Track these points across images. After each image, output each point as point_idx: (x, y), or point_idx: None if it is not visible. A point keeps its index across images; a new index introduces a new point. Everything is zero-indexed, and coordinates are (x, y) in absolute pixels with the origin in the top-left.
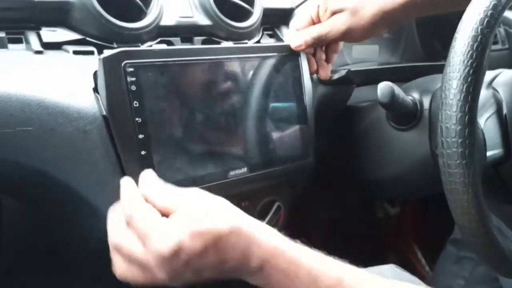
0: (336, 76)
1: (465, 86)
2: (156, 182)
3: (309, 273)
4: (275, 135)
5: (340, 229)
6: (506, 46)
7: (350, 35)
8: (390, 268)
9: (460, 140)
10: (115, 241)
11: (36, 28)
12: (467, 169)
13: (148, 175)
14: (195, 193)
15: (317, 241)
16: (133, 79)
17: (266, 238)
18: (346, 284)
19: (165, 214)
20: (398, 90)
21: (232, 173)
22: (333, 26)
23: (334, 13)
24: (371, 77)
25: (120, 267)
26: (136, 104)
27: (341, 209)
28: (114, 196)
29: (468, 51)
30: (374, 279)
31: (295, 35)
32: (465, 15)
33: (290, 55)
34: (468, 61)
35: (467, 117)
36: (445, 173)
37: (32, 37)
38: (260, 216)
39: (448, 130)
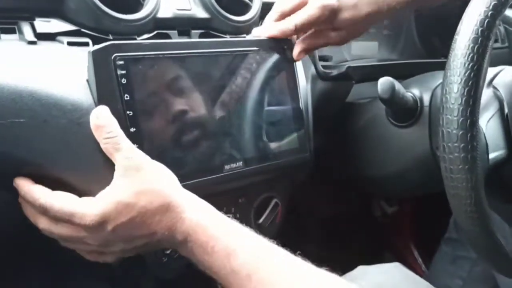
0: (335, 72)
1: (466, 90)
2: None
3: (226, 248)
4: (270, 129)
5: (337, 227)
6: (506, 44)
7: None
8: (394, 267)
9: (462, 145)
10: (44, 230)
11: (30, 19)
12: (469, 174)
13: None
14: (132, 156)
15: (314, 239)
16: (124, 72)
17: (191, 214)
18: (260, 261)
19: None
20: (398, 86)
21: (227, 167)
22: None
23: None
24: (370, 74)
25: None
26: (127, 97)
27: (338, 207)
28: None
29: (469, 54)
30: (288, 257)
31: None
32: (465, 16)
33: (286, 49)
34: (469, 64)
35: (468, 121)
36: (447, 178)
37: (26, 27)
38: (258, 213)
39: (449, 135)
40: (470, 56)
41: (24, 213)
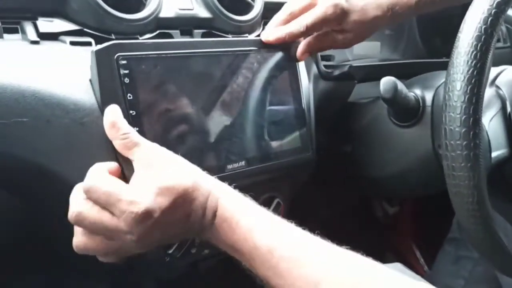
0: (337, 72)
1: (469, 88)
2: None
3: (248, 223)
4: (273, 128)
5: (339, 227)
6: (508, 44)
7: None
8: (395, 267)
9: (464, 143)
10: (76, 214)
11: (33, 18)
12: (472, 171)
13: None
14: (151, 150)
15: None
16: (126, 71)
17: (215, 190)
18: (280, 236)
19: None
20: (401, 86)
21: (229, 166)
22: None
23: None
24: (373, 73)
25: (81, 240)
26: (130, 97)
27: (339, 207)
28: None
29: (472, 52)
30: (307, 235)
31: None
32: (468, 14)
33: (289, 48)
34: (472, 61)
35: (471, 119)
36: (449, 176)
37: (29, 27)
38: None
39: (452, 132)
40: (474, 54)
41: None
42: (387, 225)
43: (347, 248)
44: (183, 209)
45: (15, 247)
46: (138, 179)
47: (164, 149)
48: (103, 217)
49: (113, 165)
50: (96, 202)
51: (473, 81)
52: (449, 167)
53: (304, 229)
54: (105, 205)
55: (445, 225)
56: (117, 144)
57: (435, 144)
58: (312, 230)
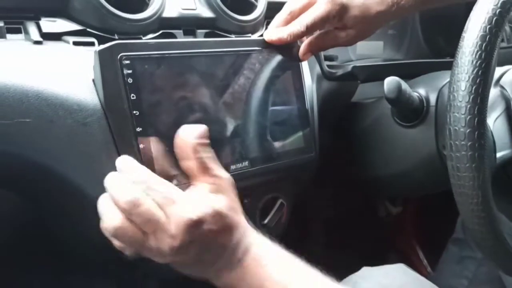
0: (340, 72)
1: (474, 88)
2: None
3: (279, 282)
4: (276, 128)
5: (341, 227)
6: None
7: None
8: (399, 268)
9: (469, 143)
10: (133, 199)
11: (36, 18)
12: (476, 172)
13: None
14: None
15: (318, 240)
16: (130, 71)
17: (251, 233)
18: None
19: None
20: (405, 86)
21: (233, 167)
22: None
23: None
24: (376, 73)
25: (119, 222)
26: (133, 97)
27: (342, 207)
28: None
29: (477, 51)
30: None
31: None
32: (473, 14)
33: (292, 48)
34: (477, 61)
35: (476, 119)
36: (454, 176)
37: (32, 27)
38: (263, 213)
39: (457, 132)
40: (478, 53)
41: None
42: (390, 225)
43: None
44: (224, 238)
45: (19, 246)
46: (201, 193)
47: (228, 178)
48: (158, 212)
49: None
50: (153, 198)
51: (478, 81)
52: (453, 168)
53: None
54: (161, 204)
55: (448, 225)
56: (189, 163)
57: (439, 144)
58: (315, 230)
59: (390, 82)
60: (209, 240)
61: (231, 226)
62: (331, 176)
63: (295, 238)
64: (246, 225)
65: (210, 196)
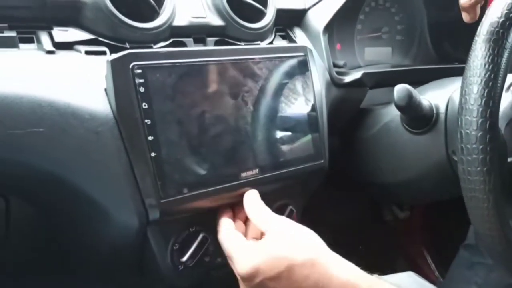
0: (349, 79)
1: (486, 91)
2: (258, 204)
3: None
4: (286, 136)
5: (348, 232)
6: None
7: None
8: (408, 276)
9: (481, 147)
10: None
11: (48, 28)
12: (488, 176)
13: (252, 195)
14: (284, 221)
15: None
16: (142, 80)
17: (338, 272)
18: None
19: (255, 237)
20: (415, 93)
21: (243, 174)
22: None
23: None
24: (385, 80)
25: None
26: (145, 105)
27: (348, 212)
28: (125, 199)
29: (489, 55)
30: None
31: None
32: (485, 18)
33: (301, 56)
34: (489, 65)
35: (488, 122)
36: (464, 180)
37: (44, 36)
38: None
39: (468, 136)
40: (491, 57)
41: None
42: (397, 230)
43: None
44: (289, 281)
45: (31, 254)
46: (259, 244)
47: (291, 223)
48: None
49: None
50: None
51: (490, 84)
52: (464, 171)
53: None
54: (228, 255)
55: (458, 230)
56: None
57: (449, 151)
58: (323, 235)
59: (400, 89)
60: (272, 286)
61: (292, 269)
62: (337, 180)
63: None
64: (324, 259)
65: (267, 241)
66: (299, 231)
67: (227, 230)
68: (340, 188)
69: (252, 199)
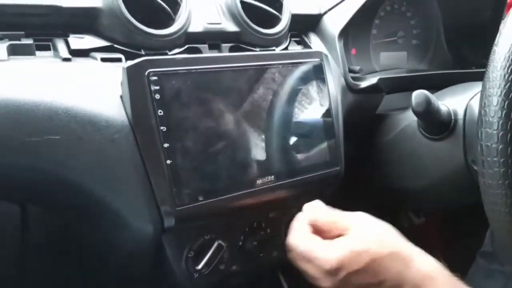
0: (365, 84)
1: (506, 103)
2: (325, 212)
3: None
4: (302, 143)
5: None
6: None
7: None
8: None
9: (502, 160)
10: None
11: (64, 35)
12: (510, 189)
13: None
14: (363, 217)
15: None
16: (157, 87)
17: (419, 264)
18: None
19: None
20: (433, 99)
21: (259, 181)
22: None
23: None
24: (401, 85)
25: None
26: (160, 112)
27: None
28: (141, 206)
29: (509, 66)
30: None
31: None
32: (504, 27)
33: (316, 62)
34: (509, 76)
35: (509, 135)
36: (486, 193)
37: (60, 44)
38: (289, 229)
39: (489, 149)
40: (510, 68)
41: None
42: (413, 237)
43: None
44: (373, 275)
45: (48, 261)
46: (340, 240)
47: (371, 219)
48: (307, 265)
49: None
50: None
51: (510, 96)
52: (485, 185)
53: None
54: (304, 261)
55: (474, 237)
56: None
57: (468, 158)
58: None
59: (418, 95)
60: (354, 280)
61: (375, 262)
62: (351, 186)
63: None
64: (406, 252)
65: (349, 237)
66: (379, 225)
67: (302, 233)
68: (354, 194)
69: (319, 205)
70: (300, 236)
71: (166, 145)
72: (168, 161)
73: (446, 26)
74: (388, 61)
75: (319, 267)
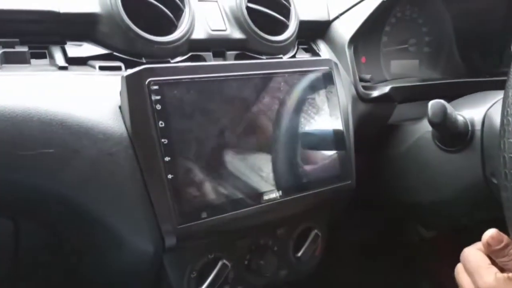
0: (376, 93)
1: None
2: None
3: None
4: (311, 155)
5: (370, 251)
6: None
7: None
8: None
9: None
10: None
11: (61, 42)
12: None
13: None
14: None
15: (347, 264)
16: (158, 97)
17: None
18: None
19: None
20: (450, 109)
21: (265, 197)
22: None
23: None
24: (414, 94)
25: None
26: (161, 124)
27: (372, 230)
28: (140, 224)
29: None
30: None
31: None
32: None
33: (325, 70)
34: None
35: None
36: (509, 208)
37: (57, 51)
38: (297, 245)
39: None
40: None
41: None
42: (423, 250)
43: None
44: None
45: (40, 278)
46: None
47: None
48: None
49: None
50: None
51: None
52: (508, 199)
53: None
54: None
55: None
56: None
57: (486, 171)
58: (345, 253)
59: (435, 105)
60: None
61: None
62: (363, 199)
63: (324, 262)
64: None
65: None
66: None
67: (479, 250)
68: (362, 206)
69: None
70: (476, 251)
71: (167, 158)
72: (169, 176)
73: (458, 34)
74: (399, 70)
75: (476, 282)
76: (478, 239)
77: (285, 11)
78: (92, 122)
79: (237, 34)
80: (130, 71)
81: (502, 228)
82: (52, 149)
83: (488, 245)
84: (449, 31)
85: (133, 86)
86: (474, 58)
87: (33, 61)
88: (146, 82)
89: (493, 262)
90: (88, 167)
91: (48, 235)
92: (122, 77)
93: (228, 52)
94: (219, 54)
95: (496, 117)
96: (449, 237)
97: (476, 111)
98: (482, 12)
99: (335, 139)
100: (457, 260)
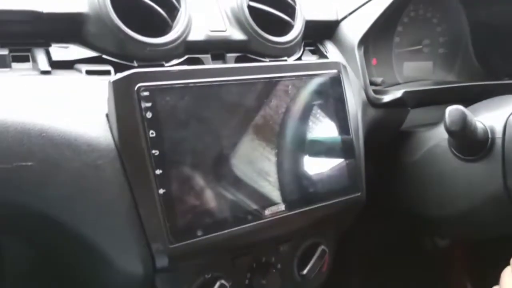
0: (388, 98)
1: None
2: None
3: None
4: (317, 166)
5: (384, 261)
6: None
7: None
8: None
9: None
10: None
11: (45, 45)
12: None
13: None
14: None
15: (359, 273)
16: (149, 104)
17: None
18: None
19: None
20: (470, 116)
21: (268, 212)
22: None
23: None
24: (429, 98)
25: None
26: (152, 134)
27: (384, 239)
28: (129, 244)
29: None
30: None
31: None
32: None
33: (333, 73)
34: None
35: None
36: None
37: (40, 54)
38: (302, 262)
39: None
40: None
41: None
42: (437, 260)
43: None
44: None
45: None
46: None
47: None
48: None
49: None
50: None
51: None
52: None
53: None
54: None
55: (504, 260)
56: None
57: (508, 181)
58: (356, 261)
59: (453, 112)
60: None
61: None
62: (372, 208)
63: (335, 270)
64: None
65: None
66: None
67: None
68: (375, 216)
69: None
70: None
71: (158, 171)
72: (161, 191)
73: (474, 34)
74: (412, 72)
75: None
76: (494, 246)
77: (290, 10)
78: (76, 132)
79: (238, 35)
80: (119, 75)
81: None
82: (30, 162)
83: None
84: (465, 31)
85: (120, 92)
86: (492, 59)
87: (14, 64)
88: (136, 88)
89: None
90: (71, 182)
91: (34, 254)
92: (109, 82)
93: (228, 55)
94: (218, 56)
95: None
96: (463, 246)
97: (496, 117)
98: (501, 9)
99: (343, 148)
100: (471, 269)
